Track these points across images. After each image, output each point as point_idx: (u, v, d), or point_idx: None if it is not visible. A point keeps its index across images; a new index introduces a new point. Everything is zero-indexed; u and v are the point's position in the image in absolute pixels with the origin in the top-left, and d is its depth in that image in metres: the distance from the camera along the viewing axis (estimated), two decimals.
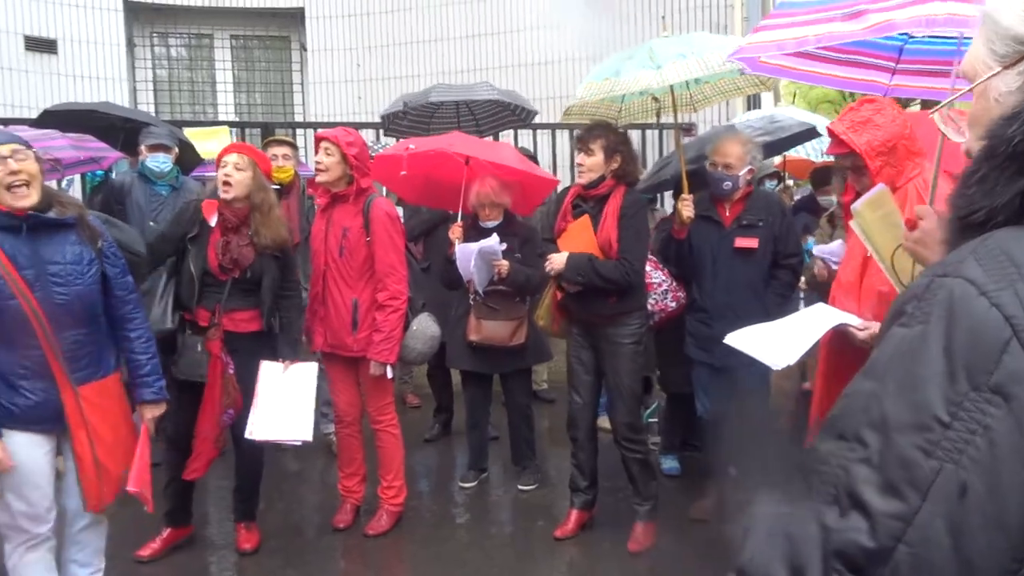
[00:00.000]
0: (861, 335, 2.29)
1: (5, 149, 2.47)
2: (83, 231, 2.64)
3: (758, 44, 2.80)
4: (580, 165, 3.55)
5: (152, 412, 2.85)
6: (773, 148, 5.25)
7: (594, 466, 3.80)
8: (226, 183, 3.33)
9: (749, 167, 3.62)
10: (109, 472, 2.68)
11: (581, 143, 3.55)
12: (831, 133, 2.54)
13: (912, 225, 1.83)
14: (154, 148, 4.61)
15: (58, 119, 5.33)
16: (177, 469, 3.54)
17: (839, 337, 2.36)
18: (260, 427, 3.39)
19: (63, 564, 2.83)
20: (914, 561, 0.66)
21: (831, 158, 5.85)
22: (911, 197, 2.38)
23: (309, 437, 3.45)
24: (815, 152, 6.34)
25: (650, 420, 5.10)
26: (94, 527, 2.83)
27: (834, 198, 5.37)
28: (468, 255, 3.96)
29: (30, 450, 2.59)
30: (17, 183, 2.46)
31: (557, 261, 3.52)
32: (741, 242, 3.59)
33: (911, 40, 3.19)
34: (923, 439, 0.68)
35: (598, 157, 3.50)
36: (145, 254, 3.06)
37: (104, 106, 5.84)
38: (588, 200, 3.59)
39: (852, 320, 2.34)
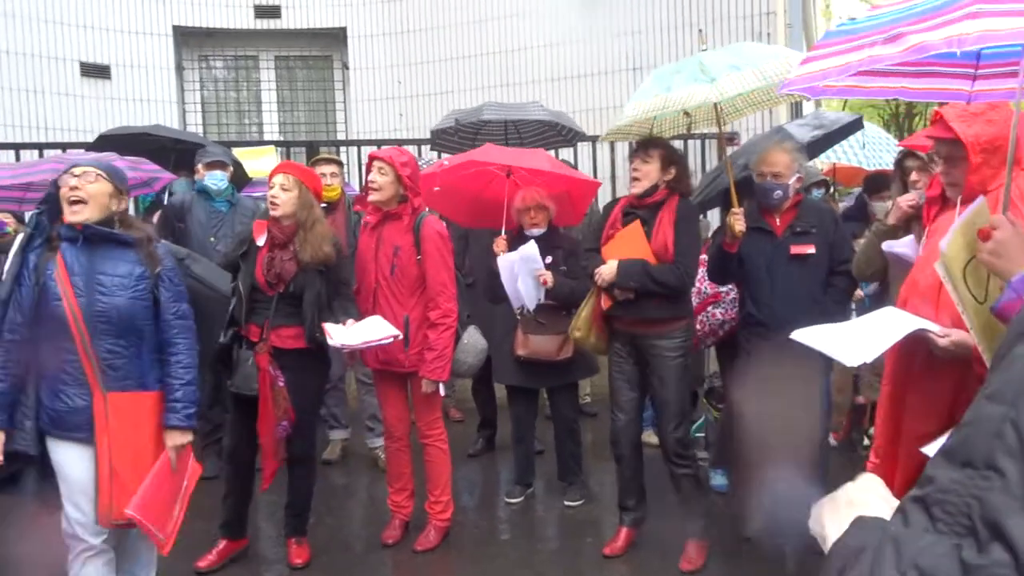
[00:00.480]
0: (942, 342, 2.19)
1: (77, 170, 2.71)
2: (142, 252, 2.78)
3: (805, 75, 2.76)
4: (636, 171, 3.56)
5: (175, 439, 2.81)
6: (827, 140, 5.20)
7: (641, 483, 3.76)
8: (273, 203, 3.44)
9: (798, 175, 3.59)
10: (124, 486, 2.66)
11: (640, 150, 3.58)
12: (938, 117, 2.44)
13: (986, 236, 1.76)
14: (211, 166, 4.78)
15: (113, 143, 5.52)
16: (234, 481, 3.64)
17: (909, 343, 2.27)
18: (342, 336, 3.37)
19: (118, 574, 2.89)
20: None
21: (886, 165, 5.75)
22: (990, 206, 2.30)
23: (398, 332, 3.46)
24: (867, 160, 6.24)
25: (697, 435, 5.04)
26: (145, 538, 2.86)
27: (889, 204, 5.27)
28: (511, 266, 3.98)
29: (76, 458, 2.68)
30: (74, 199, 2.68)
31: (607, 271, 3.50)
32: (797, 249, 3.53)
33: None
34: None
35: (655, 165, 3.53)
36: (222, 291, 3.17)
37: (156, 129, 6.03)
38: (640, 209, 3.59)
39: (931, 326, 2.23)
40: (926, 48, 2.34)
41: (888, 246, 3.15)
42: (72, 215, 2.68)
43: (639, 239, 3.51)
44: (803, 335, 2.37)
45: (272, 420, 3.47)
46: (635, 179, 3.57)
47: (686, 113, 4.07)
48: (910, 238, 3.21)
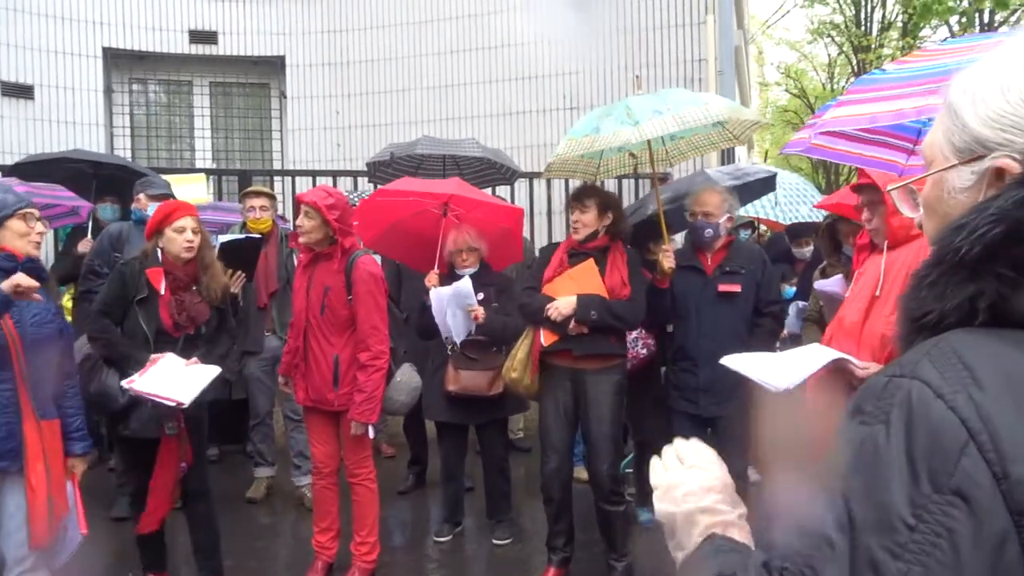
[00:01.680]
0: (860, 373, 2.31)
1: (37, 213, 2.91)
2: (52, 290, 2.99)
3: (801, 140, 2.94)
4: (576, 222, 3.70)
5: (82, 466, 3.08)
6: (744, 190, 5.37)
7: (571, 522, 3.77)
8: (190, 248, 3.38)
9: (728, 215, 3.75)
10: (55, 511, 2.78)
11: (576, 201, 3.73)
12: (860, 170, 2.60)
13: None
14: (157, 198, 4.63)
15: (31, 169, 5.33)
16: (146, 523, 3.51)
17: (831, 377, 2.36)
18: (141, 383, 3.16)
19: None
20: None
21: (803, 217, 6.02)
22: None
23: (187, 401, 3.18)
24: (783, 215, 6.53)
25: (626, 471, 5.07)
26: (35, 574, 2.84)
27: (807, 251, 5.49)
28: (442, 299, 3.98)
29: (6, 491, 2.73)
30: (37, 239, 2.90)
31: (564, 305, 3.55)
32: (724, 287, 3.68)
33: (929, 123, 3.30)
34: (890, 541, 0.69)
35: (592, 213, 3.67)
36: None
37: (75, 153, 5.85)
38: (587, 251, 3.70)
39: (854, 361, 2.36)
40: (876, 119, 2.51)
41: (819, 285, 3.32)
42: (33, 249, 2.86)
43: (593, 276, 3.61)
44: (732, 361, 2.47)
45: (174, 463, 3.42)
46: (575, 228, 3.71)
47: (632, 155, 4.18)
48: (838, 277, 3.37)
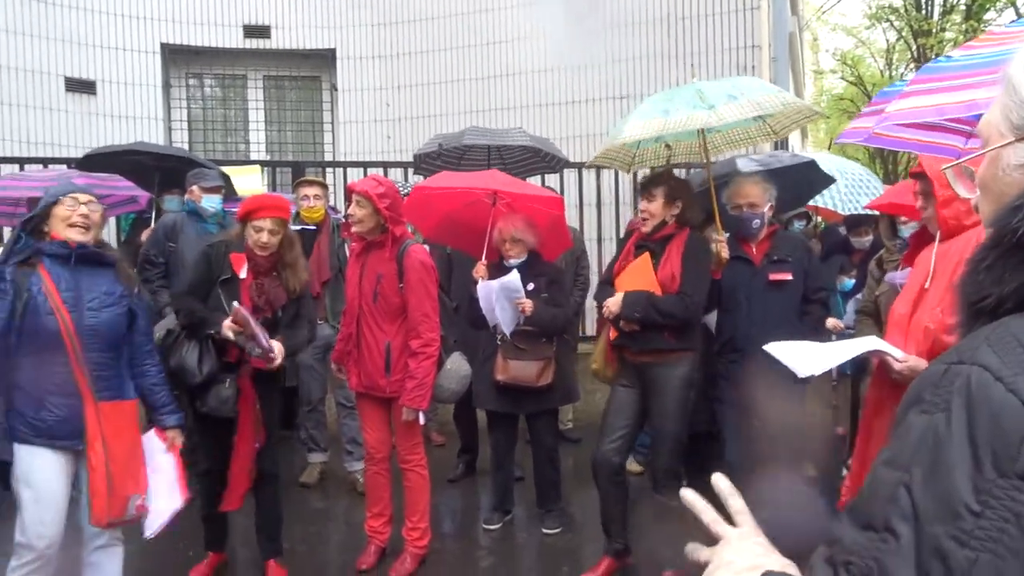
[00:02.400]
0: (897, 366, 2.25)
1: (83, 197, 2.94)
2: (120, 273, 3.00)
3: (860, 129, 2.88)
4: (643, 211, 3.65)
5: (179, 437, 3.17)
6: (772, 177, 5.24)
7: (623, 511, 3.75)
8: (262, 248, 3.52)
9: (769, 203, 3.72)
10: (116, 490, 2.85)
11: (644, 190, 3.68)
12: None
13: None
14: (212, 190, 4.78)
15: (97, 162, 5.50)
16: (215, 501, 3.64)
17: (881, 374, 2.32)
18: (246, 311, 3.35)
19: None
20: None
21: (858, 211, 5.89)
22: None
23: (278, 355, 3.43)
24: (842, 204, 6.36)
25: None
26: (109, 549, 2.97)
27: (866, 241, 5.35)
28: (489, 292, 4.00)
29: (50, 467, 2.81)
30: (81, 224, 2.90)
31: (612, 303, 3.54)
32: (775, 276, 3.65)
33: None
34: (956, 529, 0.67)
35: (659, 202, 3.60)
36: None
37: (139, 145, 6.01)
38: (651, 243, 3.66)
39: (891, 350, 2.29)
40: (944, 112, 2.44)
41: (890, 277, 3.25)
42: (78, 235, 2.89)
43: (646, 271, 3.58)
44: (773, 347, 2.44)
45: (251, 441, 3.55)
46: (643, 218, 3.66)
47: (667, 146, 4.11)
48: (909, 269, 3.29)
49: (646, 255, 3.61)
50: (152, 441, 3.13)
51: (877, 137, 3.17)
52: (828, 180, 5.37)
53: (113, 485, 2.84)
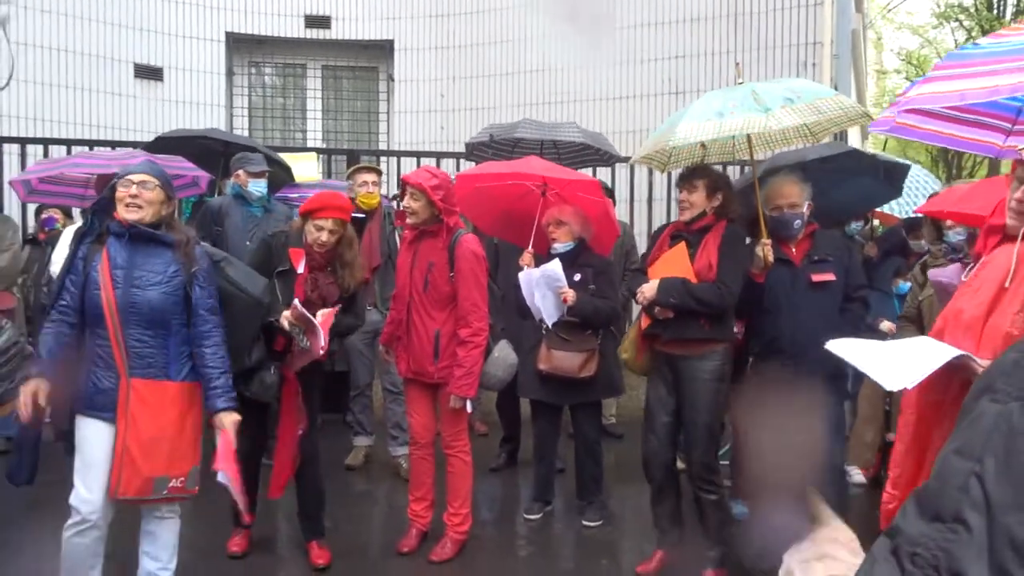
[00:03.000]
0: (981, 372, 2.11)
1: (136, 178, 2.96)
2: (179, 252, 2.99)
3: (918, 97, 2.79)
4: (683, 202, 3.63)
5: (231, 419, 3.03)
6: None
7: (676, 506, 3.74)
8: (321, 246, 3.61)
9: (808, 202, 3.66)
10: (135, 466, 2.85)
11: (685, 181, 3.65)
12: None
13: None
14: (258, 175, 4.90)
15: (167, 144, 5.69)
16: (248, 481, 3.64)
17: (940, 374, 2.19)
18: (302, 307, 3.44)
19: (140, 556, 3.08)
20: None
21: (918, 216, 5.68)
22: None
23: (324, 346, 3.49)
24: (899, 207, 6.17)
25: (722, 463, 4.97)
26: (164, 522, 3.05)
27: (924, 243, 5.22)
28: (531, 280, 4.03)
29: (96, 436, 2.89)
30: (131, 203, 2.94)
31: (648, 289, 3.53)
32: (818, 277, 3.59)
33: None
34: None
35: (700, 194, 3.59)
36: (254, 294, 3.25)
37: (211, 132, 6.19)
38: (688, 233, 3.64)
39: (973, 357, 2.12)
40: (966, 96, 2.34)
41: (933, 275, 3.14)
42: (128, 213, 2.93)
43: (682, 259, 3.56)
44: (837, 347, 2.31)
45: (294, 428, 3.64)
46: (683, 208, 3.65)
47: (702, 145, 4.05)
48: (956, 267, 3.18)
49: (682, 244, 3.59)
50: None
51: (903, 128, 3.05)
52: (894, 191, 5.15)
53: (134, 463, 2.85)
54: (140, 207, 2.93)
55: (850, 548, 0.95)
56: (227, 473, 2.93)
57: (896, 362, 2.20)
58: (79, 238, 3.01)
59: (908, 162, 5.47)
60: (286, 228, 3.83)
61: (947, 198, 3.93)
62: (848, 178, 4.66)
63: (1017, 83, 2.32)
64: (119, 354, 2.87)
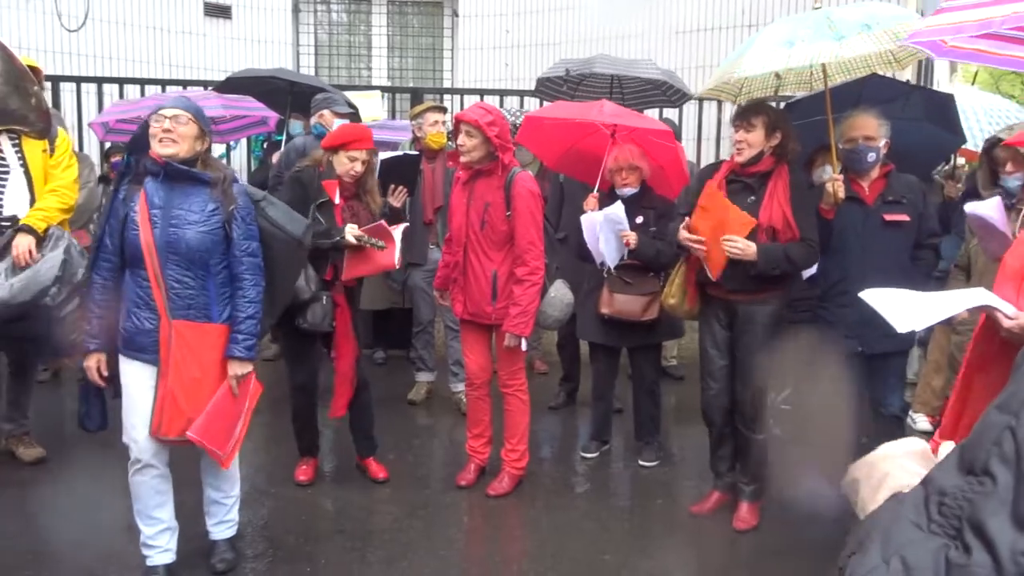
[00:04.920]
0: (1007, 323, 2.05)
1: (168, 112, 2.87)
2: (217, 191, 2.91)
3: (937, 28, 2.57)
4: (740, 142, 3.45)
5: (235, 369, 2.93)
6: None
7: (735, 449, 3.75)
8: (353, 176, 3.76)
9: (885, 139, 3.49)
10: (177, 408, 2.85)
11: (741, 119, 3.45)
12: None
13: None
14: (343, 115, 4.97)
15: (238, 84, 5.78)
16: (308, 411, 3.93)
17: (991, 325, 2.14)
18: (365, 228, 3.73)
19: (203, 485, 3.18)
20: None
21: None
22: None
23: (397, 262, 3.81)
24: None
25: (784, 407, 4.93)
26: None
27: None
28: (593, 224, 3.99)
29: (138, 378, 2.91)
30: (164, 137, 2.85)
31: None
32: (891, 217, 3.46)
33: None
34: None
35: (759, 133, 3.41)
36: (295, 234, 3.16)
37: (280, 72, 6.26)
38: (746, 177, 3.49)
39: (1001, 305, 2.08)
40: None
41: (970, 208, 2.93)
42: (160, 148, 2.84)
43: (732, 210, 3.39)
44: (870, 295, 2.27)
45: (352, 350, 3.83)
46: (739, 149, 3.46)
47: (776, 75, 3.87)
48: (995, 199, 2.96)
49: (719, 192, 3.43)
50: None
51: (954, 51, 2.82)
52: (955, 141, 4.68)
53: (175, 404, 2.84)
54: (175, 141, 2.85)
55: (912, 464, 0.93)
56: (199, 432, 2.86)
57: (918, 307, 2.17)
58: (119, 178, 2.99)
59: (950, 92, 5.00)
60: (308, 162, 3.85)
61: None
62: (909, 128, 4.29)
63: (1010, 14, 2.16)
64: (160, 295, 2.84)
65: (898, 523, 0.74)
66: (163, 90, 6.56)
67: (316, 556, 3.34)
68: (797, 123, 3.95)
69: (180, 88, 6.58)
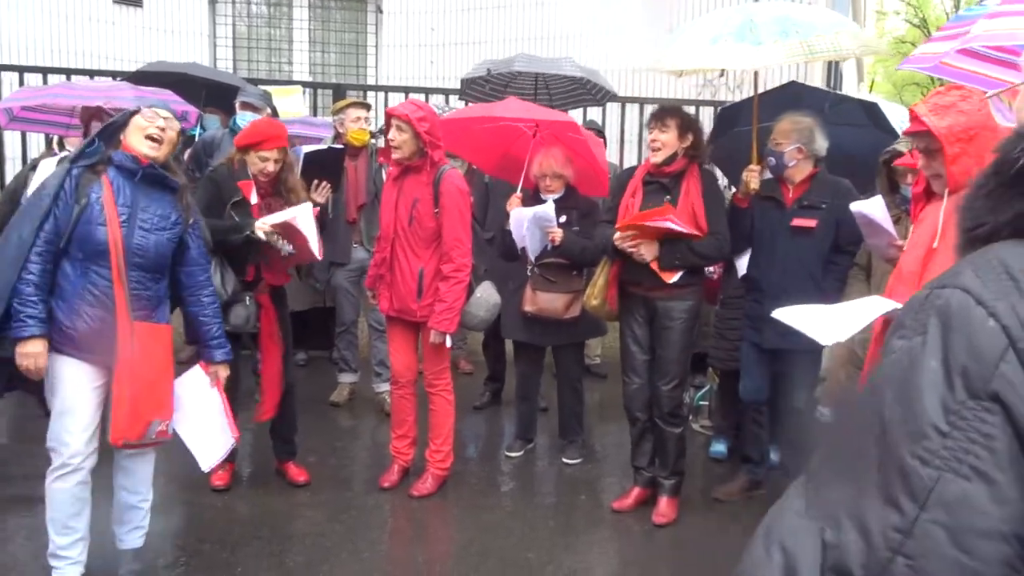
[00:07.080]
0: None
1: (164, 113, 2.93)
2: (181, 199, 2.97)
3: (923, 56, 2.75)
4: (655, 141, 3.58)
5: (222, 372, 3.13)
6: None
7: (654, 446, 3.82)
8: (265, 176, 3.64)
9: (798, 144, 3.59)
10: (137, 411, 2.78)
11: (656, 120, 3.60)
12: (912, 113, 2.46)
13: None
14: (244, 106, 4.82)
15: (149, 78, 5.54)
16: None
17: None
18: (271, 217, 3.56)
19: (114, 490, 3.01)
20: (913, 574, 0.64)
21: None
22: None
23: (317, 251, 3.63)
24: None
25: (701, 403, 5.06)
26: (140, 456, 2.98)
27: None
28: (522, 220, 4.00)
29: (79, 378, 2.78)
30: (156, 137, 2.86)
31: (648, 252, 3.51)
32: (798, 221, 3.59)
33: None
34: (921, 448, 0.67)
35: (673, 133, 3.55)
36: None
37: (192, 67, 6.02)
38: (661, 177, 3.61)
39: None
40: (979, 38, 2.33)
41: (856, 206, 3.08)
42: (151, 150, 2.84)
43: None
44: (783, 314, 2.44)
45: (278, 351, 3.75)
46: (654, 149, 3.60)
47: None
48: (877, 198, 3.14)
49: (667, 205, 3.55)
50: (197, 375, 3.11)
51: (947, 68, 2.99)
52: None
53: (136, 406, 2.78)
54: (162, 143, 2.87)
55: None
56: (232, 432, 3.12)
57: (834, 319, 2.31)
58: (72, 160, 2.82)
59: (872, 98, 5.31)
60: (223, 161, 3.78)
61: None
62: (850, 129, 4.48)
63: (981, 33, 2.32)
64: (122, 295, 2.75)
65: (781, 514, 0.76)
66: (68, 79, 6.24)
67: (233, 564, 3.24)
68: (740, 129, 4.12)
69: (87, 78, 6.28)
